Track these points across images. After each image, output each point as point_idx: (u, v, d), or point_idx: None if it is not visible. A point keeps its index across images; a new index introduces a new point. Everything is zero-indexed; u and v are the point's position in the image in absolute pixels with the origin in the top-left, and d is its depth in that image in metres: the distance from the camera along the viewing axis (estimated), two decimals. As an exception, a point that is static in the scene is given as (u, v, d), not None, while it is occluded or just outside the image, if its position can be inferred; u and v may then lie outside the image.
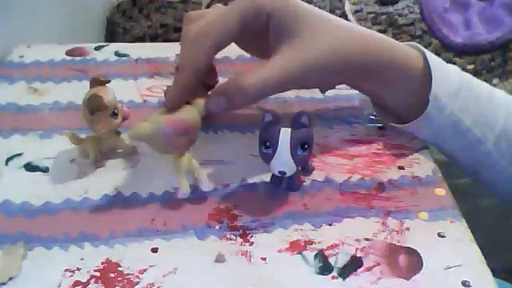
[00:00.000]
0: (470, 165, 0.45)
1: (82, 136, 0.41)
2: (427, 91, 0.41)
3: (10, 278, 0.32)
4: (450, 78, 0.42)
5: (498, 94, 0.44)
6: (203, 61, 0.37)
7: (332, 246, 0.35)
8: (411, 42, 0.45)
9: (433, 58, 0.42)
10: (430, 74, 0.41)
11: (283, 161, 0.35)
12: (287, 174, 0.36)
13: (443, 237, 0.35)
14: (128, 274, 0.32)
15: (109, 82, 0.40)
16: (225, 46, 0.38)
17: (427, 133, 0.43)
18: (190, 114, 0.36)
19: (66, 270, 0.33)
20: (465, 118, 0.42)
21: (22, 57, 0.56)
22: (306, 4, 0.40)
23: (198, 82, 0.38)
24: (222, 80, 0.47)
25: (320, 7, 0.43)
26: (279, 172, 0.36)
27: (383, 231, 0.36)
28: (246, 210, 0.37)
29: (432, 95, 0.41)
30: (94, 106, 0.38)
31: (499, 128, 0.42)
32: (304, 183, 0.40)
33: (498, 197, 0.47)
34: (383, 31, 1.03)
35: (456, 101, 0.42)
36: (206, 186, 0.38)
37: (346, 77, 0.43)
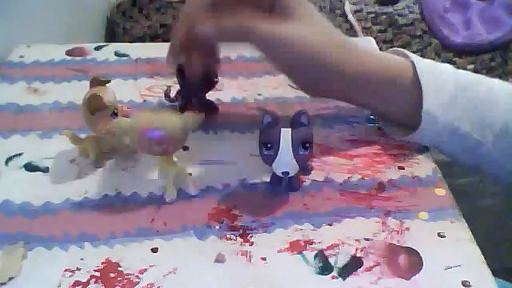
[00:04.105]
0: (472, 164, 0.45)
1: (82, 136, 0.41)
2: (421, 104, 0.41)
3: (10, 278, 0.32)
4: (443, 87, 0.41)
5: (497, 89, 0.43)
6: (198, 16, 0.38)
7: (332, 246, 0.35)
8: (399, 49, 0.45)
9: (423, 67, 0.42)
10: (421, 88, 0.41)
11: (286, 161, 0.35)
12: (290, 174, 0.36)
13: (443, 237, 0.35)
14: (128, 274, 0.32)
15: (109, 81, 0.40)
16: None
17: (425, 141, 0.43)
18: (173, 127, 0.36)
19: (66, 270, 0.33)
20: (462, 124, 0.41)
21: (22, 57, 0.56)
22: None
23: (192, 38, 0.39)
24: (221, 80, 0.47)
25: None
26: (282, 173, 0.36)
27: (383, 231, 0.36)
28: (246, 210, 0.37)
29: (424, 112, 0.41)
30: (94, 106, 0.38)
31: (499, 126, 0.42)
32: (304, 183, 0.40)
33: (505, 185, 0.47)
34: (383, 31, 1.03)
35: (451, 109, 0.41)
36: (193, 190, 0.38)
37: (336, 85, 0.43)
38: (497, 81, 0.44)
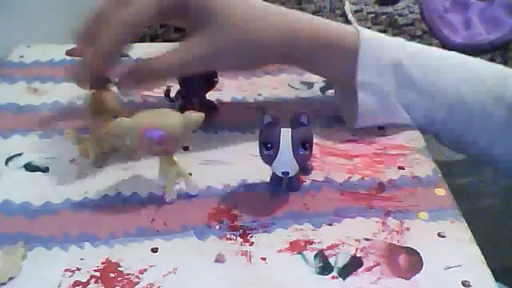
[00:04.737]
0: (431, 132, 0.46)
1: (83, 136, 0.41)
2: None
3: (10, 278, 0.32)
4: (385, 57, 0.42)
5: (448, 57, 0.44)
6: (115, 47, 0.40)
7: (332, 246, 0.35)
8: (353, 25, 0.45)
9: (367, 36, 0.42)
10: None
11: (286, 161, 0.35)
12: (290, 174, 0.36)
13: (443, 237, 0.35)
14: (128, 274, 0.32)
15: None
16: (141, 32, 0.43)
17: (378, 119, 0.44)
18: (173, 127, 0.35)
19: (66, 270, 0.33)
20: (411, 93, 0.42)
21: (22, 57, 0.56)
22: None
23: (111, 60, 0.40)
24: (221, 80, 0.47)
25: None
26: (282, 173, 0.36)
27: (383, 231, 0.36)
28: (246, 210, 0.37)
29: (359, 82, 0.41)
30: (95, 109, 0.38)
31: (451, 93, 0.43)
32: (304, 183, 0.40)
33: (465, 155, 0.48)
34: (383, 31, 1.03)
35: (395, 78, 0.42)
36: (193, 190, 0.38)
37: (269, 60, 0.43)
38: (451, 53, 0.44)
